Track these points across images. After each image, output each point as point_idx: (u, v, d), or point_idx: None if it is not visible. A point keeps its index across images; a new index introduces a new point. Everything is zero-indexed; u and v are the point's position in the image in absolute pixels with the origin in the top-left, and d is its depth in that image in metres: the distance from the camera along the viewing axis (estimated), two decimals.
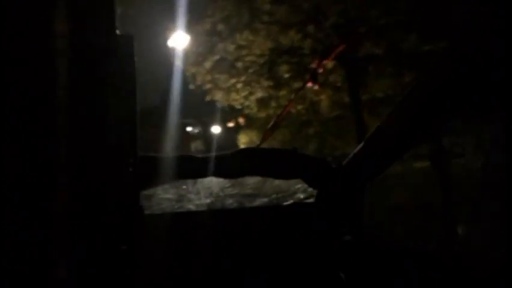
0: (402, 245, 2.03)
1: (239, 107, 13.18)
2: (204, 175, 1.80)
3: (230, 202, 2.24)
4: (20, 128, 0.48)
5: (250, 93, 11.99)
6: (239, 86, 11.67)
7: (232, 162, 1.75)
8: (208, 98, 12.52)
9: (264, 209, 2.22)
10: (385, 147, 1.45)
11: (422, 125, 1.32)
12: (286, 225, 2.14)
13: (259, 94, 11.86)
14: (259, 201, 2.29)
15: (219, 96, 12.31)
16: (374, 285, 2.04)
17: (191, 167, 1.70)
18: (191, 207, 2.18)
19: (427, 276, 1.75)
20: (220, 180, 1.99)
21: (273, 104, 11.91)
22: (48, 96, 0.50)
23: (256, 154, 1.81)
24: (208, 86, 11.90)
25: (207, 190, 2.22)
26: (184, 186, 2.21)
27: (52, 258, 0.50)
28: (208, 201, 2.23)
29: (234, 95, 12.09)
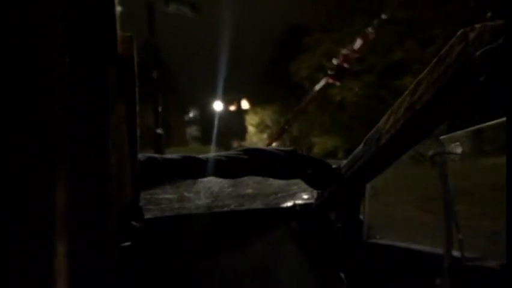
0: (403, 245, 2.02)
1: None
2: (204, 175, 1.80)
3: (230, 202, 2.24)
4: (19, 128, 0.48)
5: None
6: None
7: (232, 163, 1.75)
8: None
9: (264, 210, 2.22)
10: (384, 147, 1.45)
11: (422, 125, 1.32)
12: (286, 225, 2.14)
13: None
14: (259, 202, 2.29)
15: None
16: (374, 285, 2.04)
17: (191, 167, 1.70)
18: (191, 207, 2.18)
19: (427, 276, 1.75)
20: (220, 180, 1.99)
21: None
22: (48, 96, 0.50)
23: (257, 154, 1.80)
24: None
25: (207, 190, 2.22)
26: (184, 186, 2.21)
27: (52, 257, 0.50)
28: (208, 201, 2.23)
29: None
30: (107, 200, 0.67)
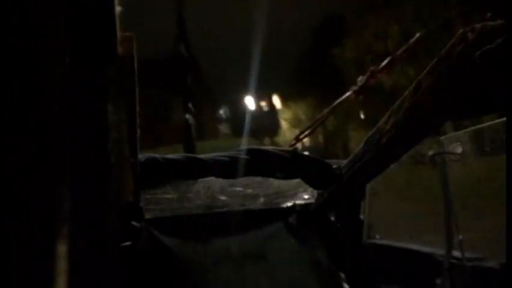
0: (403, 245, 2.02)
1: None
2: (205, 175, 1.80)
3: (230, 202, 2.24)
4: (19, 128, 0.48)
5: None
6: None
7: (232, 163, 1.75)
8: None
9: (264, 210, 2.22)
10: (384, 148, 1.45)
11: (422, 125, 1.32)
12: (286, 225, 2.14)
13: None
14: (259, 202, 2.29)
15: None
16: (374, 285, 2.04)
17: (192, 167, 1.70)
18: (191, 207, 2.18)
19: (427, 276, 1.75)
20: (220, 180, 1.99)
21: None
22: (48, 96, 0.50)
23: (257, 154, 1.80)
24: None
25: (207, 190, 2.22)
26: (185, 186, 2.21)
27: (52, 257, 0.50)
28: (208, 201, 2.22)
29: None
30: (107, 200, 0.67)
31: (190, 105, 8.59)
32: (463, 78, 1.03)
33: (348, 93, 1.97)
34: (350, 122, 17.90)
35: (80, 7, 0.62)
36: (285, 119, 21.92)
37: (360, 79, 1.90)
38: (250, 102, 20.17)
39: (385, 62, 1.82)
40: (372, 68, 1.88)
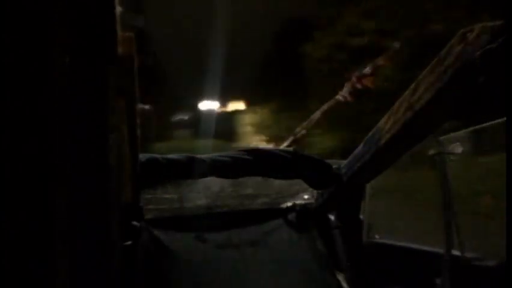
0: (403, 244, 2.03)
1: None
2: (205, 175, 1.80)
3: (230, 202, 2.24)
4: (19, 128, 0.48)
5: None
6: None
7: (233, 163, 1.75)
8: None
9: (264, 210, 2.22)
10: (384, 148, 1.45)
11: (422, 125, 1.32)
12: (286, 225, 2.14)
13: None
14: (259, 202, 2.29)
15: None
16: (374, 285, 2.04)
17: (192, 167, 1.70)
18: (191, 207, 2.18)
19: (427, 276, 1.75)
20: (221, 180, 1.99)
21: None
22: (48, 96, 0.50)
23: (257, 154, 1.80)
24: None
25: (207, 190, 2.22)
26: (185, 186, 2.21)
27: (52, 257, 0.50)
28: (208, 201, 2.22)
29: None
30: (107, 200, 0.67)
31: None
32: (462, 78, 1.03)
33: (337, 97, 2.02)
34: (316, 127, 17.59)
35: (80, 7, 0.62)
36: (249, 124, 21.44)
37: (347, 84, 1.97)
38: (212, 106, 20.03)
39: (369, 68, 1.88)
40: (357, 73, 1.94)
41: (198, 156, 1.75)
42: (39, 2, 0.49)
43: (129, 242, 1.43)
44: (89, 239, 0.63)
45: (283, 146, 2.19)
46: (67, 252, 0.53)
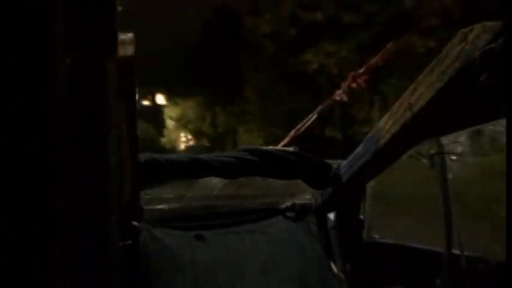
0: (403, 244, 2.03)
1: None
2: (205, 175, 1.80)
3: (230, 202, 2.24)
4: (19, 128, 0.48)
5: None
6: None
7: (233, 163, 1.75)
8: None
9: (264, 210, 2.22)
10: (384, 148, 1.45)
11: (421, 125, 1.32)
12: (286, 225, 2.14)
13: None
14: (259, 202, 2.29)
15: None
16: (374, 285, 2.04)
17: (193, 168, 1.70)
18: (191, 207, 2.18)
19: (427, 276, 1.75)
20: (221, 180, 1.99)
21: None
22: (48, 96, 0.50)
23: (257, 154, 1.81)
24: None
25: (208, 190, 2.22)
26: (185, 186, 2.21)
27: (52, 257, 0.50)
28: (208, 201, 2.23)
29: None
30: (107, 200, 0.67)
31: None
32: (462, 78, 1.03)
33: (333, 96, 2.04)
34: (244, 122, 16.31)
35: (80, 7, 0.62)
36: (172, 118, 20.20)
37: (344, 85, 2.00)
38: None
39: (364, 68, 1.90)
40: (352, 73, 1.97)
41: (199, 156, 1.75)
42: (39, 2, 0.49)
43: (129, 242, 1.43)
44: (89, 239, 0.63)
45: (281, 145, 2.19)
46: (67, 252, 0.53)
